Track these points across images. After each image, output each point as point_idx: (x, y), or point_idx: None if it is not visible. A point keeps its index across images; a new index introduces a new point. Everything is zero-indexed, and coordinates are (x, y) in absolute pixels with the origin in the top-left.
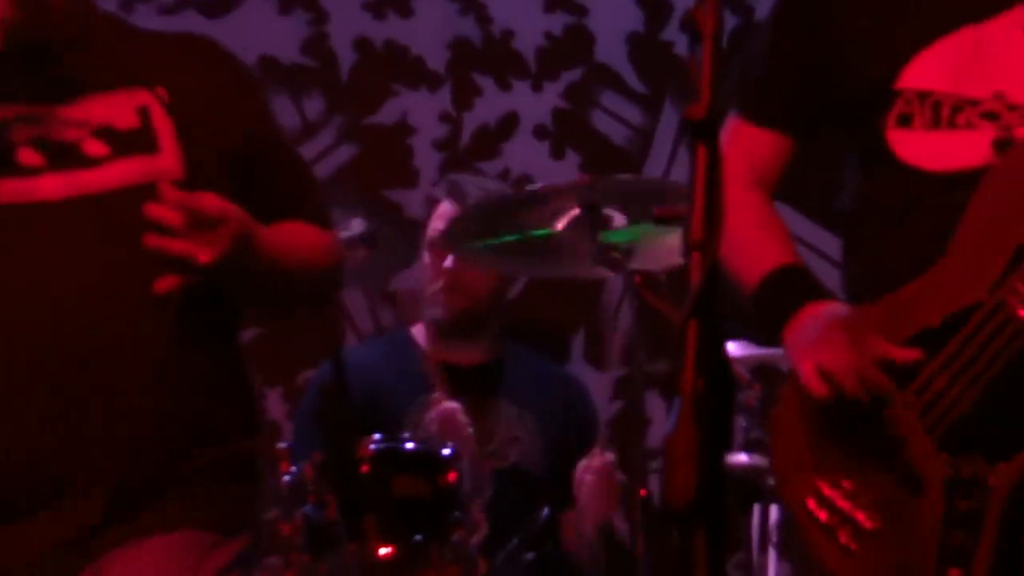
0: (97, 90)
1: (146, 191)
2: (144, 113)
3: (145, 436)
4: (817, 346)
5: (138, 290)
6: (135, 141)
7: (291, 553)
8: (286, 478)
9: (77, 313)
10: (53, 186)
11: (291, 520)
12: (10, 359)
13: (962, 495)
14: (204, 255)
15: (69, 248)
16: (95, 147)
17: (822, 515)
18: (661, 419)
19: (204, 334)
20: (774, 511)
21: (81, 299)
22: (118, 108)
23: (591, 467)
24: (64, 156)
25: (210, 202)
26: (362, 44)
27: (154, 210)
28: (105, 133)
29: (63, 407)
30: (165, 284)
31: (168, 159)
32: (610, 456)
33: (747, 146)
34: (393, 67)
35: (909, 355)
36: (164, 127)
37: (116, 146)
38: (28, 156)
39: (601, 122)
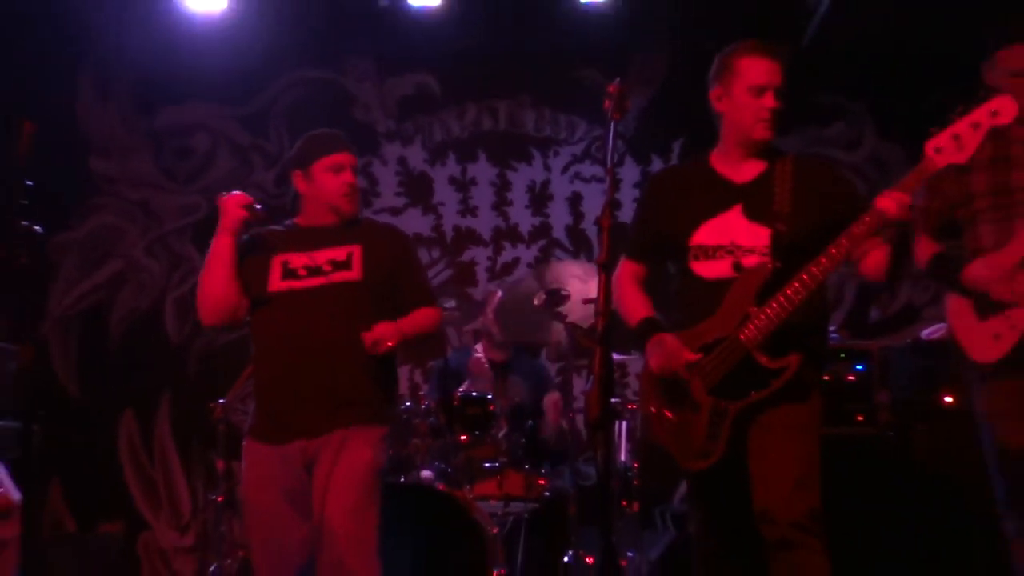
0: (335, 245)
1: (348, 284)
2: (350, 255)
3: (343, 392)
4: (654, 351)
5: (345, 329)
6: (343, 265)
7: (423, 438)
8: (423, 406)
9: (322, 334)
10: (309, 283)
11: (424, 423)
12: (294, 353)
13: (716, 415)
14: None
15: (315, 307)
16: (327, 268)
17: (653, 413)
18: (580, 385)
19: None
20: (625, 424)
21: (323, 329)
22: (340, 252)
23: (551, 399)
24: (314, 271)
25: (380, 336)
26: (457, 228)
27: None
28: (332, 262)
29: (318, 374)
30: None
31: (355, 273)
32: (558, 395)
33: (629, 269)
34: (469, 238)
35: (691, 358)
36: (357, 261)
37: (335, 268)
38: (301, 271)
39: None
